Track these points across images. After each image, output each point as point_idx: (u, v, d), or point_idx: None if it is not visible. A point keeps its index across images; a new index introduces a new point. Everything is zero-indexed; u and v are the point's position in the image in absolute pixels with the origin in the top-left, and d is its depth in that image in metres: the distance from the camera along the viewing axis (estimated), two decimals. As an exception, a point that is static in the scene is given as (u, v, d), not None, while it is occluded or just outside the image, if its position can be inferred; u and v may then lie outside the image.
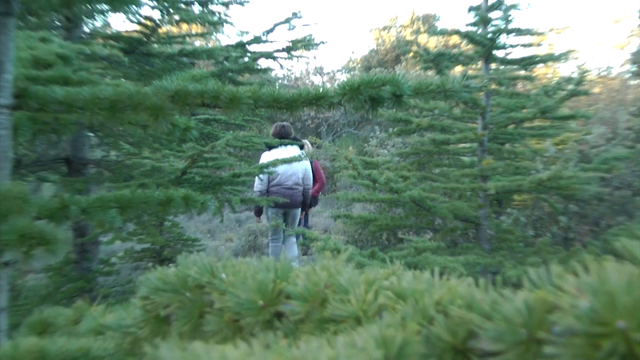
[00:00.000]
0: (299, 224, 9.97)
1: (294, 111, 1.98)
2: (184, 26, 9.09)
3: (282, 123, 9.16)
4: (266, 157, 8.49)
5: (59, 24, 6.56)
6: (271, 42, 7.35)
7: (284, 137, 8.82)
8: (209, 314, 0.97)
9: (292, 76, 29.58)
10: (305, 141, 10.43)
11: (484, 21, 5.61)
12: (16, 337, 1.22)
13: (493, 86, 5.83)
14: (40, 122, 2.57)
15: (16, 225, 1.80)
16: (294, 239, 9.28)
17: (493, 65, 6.01)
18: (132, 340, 1.16)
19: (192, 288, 1.02)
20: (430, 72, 5.97)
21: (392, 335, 0.66)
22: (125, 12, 6.70)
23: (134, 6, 6.39)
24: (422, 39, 29.47)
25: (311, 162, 10.45)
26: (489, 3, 5.63)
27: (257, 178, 8.38)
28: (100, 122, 2.04)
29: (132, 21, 6.97)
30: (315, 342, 0.64)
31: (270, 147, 8.52)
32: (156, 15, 6.70)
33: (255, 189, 8.81)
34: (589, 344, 0.53)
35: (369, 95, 1.92)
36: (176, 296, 1.03)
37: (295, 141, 8.92)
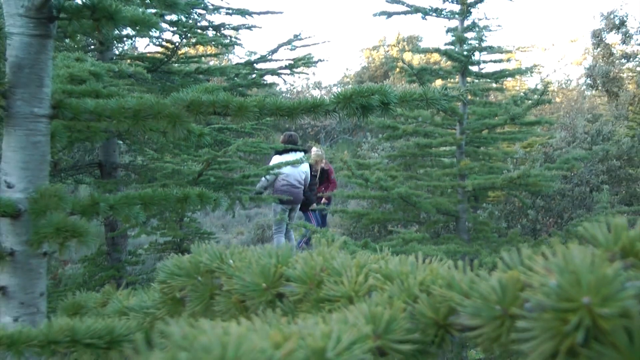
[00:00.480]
0: (317, 224, 10.13)
1: (294, 118, 1.96)
2: (200, 48, 9.10)
3: (290, 132, 9.25)
4: (276, 159, 8.47)
5: (93, 47, 6.58)
6: (275, 60, 7.37)
7: (291, 144, 8.88)
8: (219, 296, 0.96)
9: (294, 90, 29.59)
10: (315, 149, 10.59)
11: (461, 40, 5.59)
12: (52, 318, 1.20)
13: (469, 97, 5.81)
14: (75, 130, 2.55)
15: (53, 220, 1.79)
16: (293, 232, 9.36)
17: (469, 79, 5.99)
18: (151, 319, 1.14)
19: (203, 273, 1.01)
20: (414, 85, 5.96)
21: (380, 312, 0.64)
22: (149, 36, 6.72)
23: (156, 31, 6.39)
24: (407, 56, 29.47)
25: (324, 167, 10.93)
26: (465, 25, 5.62)
27: (263, 178, 8.29)
28: (126, 129, 2.03)
29: (155, 44, 7.01)
30: (311, 319, 0.62)
31: (279, 152, 8.57)
32: (176, 38, 6.72)
33: (257, 186, 8.61)
34: (557, 319, 0.51)
35: (360, 103, 1.91)
36: (190, 280, 1.02)
37: (300, 148, 9.00)
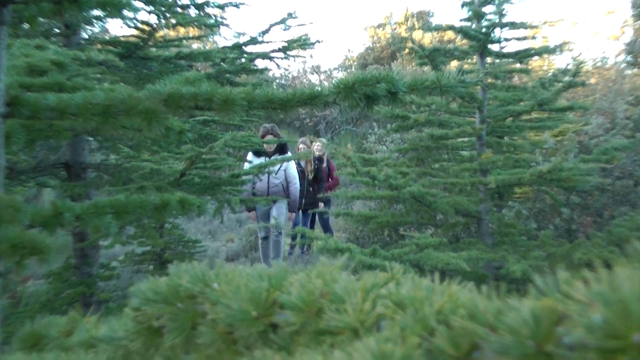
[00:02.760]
0: (309, 226, 10.68)
1: (289, 111, 1.95)
2: (181, 29, 9.06)
3: (267, 126, 9.39)
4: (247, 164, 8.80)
5: (58, 32, 6.54)
6: (267, 42, 7.33)
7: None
8: (202, 325, 0.94)
9: (289, 75, 29.58)
10: (302, 145, 10.85)
11: (478, 16, 5.57)
12: (6, 352, 1.17)
13: (489, 80, 5.79)
14: (34, 129, 2.53)
15: (8, 235, 1.76)
16: (279, 237, 9.37)
17: (488, 59, 5.97)
18: (124, 353, 1.12)
19: (184, 298, 0.99)
20: (426, 68, 5.93)
21: (390, 349, 0.62)
22: (122, 18, 6.68)
23: (130, 11, 6.37)
24: (417, 35, 29.42)
25: (328, 162, 11.17)
26: (483, -2, 5.60)
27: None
28: (94, 127, 2.00)
29: (129, 26, 6.96)
30: (310, 357, 0.60)
31: (257, 152, 8.98)
32: (153, 19, 6.68)
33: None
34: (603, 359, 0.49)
35: (364, 93, 1.89)
36: (168, 307, 1.00)
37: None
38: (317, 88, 1.93)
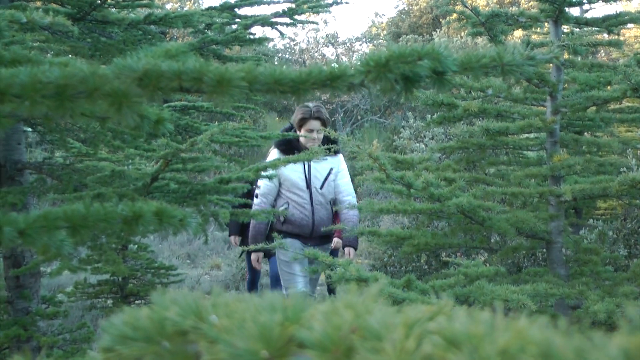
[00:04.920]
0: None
1: (301, 96, 1.98)
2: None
3: (308, 105, 7.86)
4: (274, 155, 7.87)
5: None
6: (268, 3, 7.37)
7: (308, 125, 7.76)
8: (196, 371, 0.97)
9: (297, 48, 29.68)
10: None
11: (553, -31, 5.60)
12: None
13: (566, 56, 5.81)
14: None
15: None
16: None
17: (566, 28, 5.99)
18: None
19: (171, 335, 1.02)
20: (480, 40, 5.94)
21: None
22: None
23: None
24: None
25: None
26: (559, -55, 5.62)
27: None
28: (44, 114, 2.04)
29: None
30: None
31: (281, 145, 7.71)
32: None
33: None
34: None
35: (401, 72, 1.92)
36: (151, 346, 1.03)
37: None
38: (340, 65, 1.96)
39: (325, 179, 7.55)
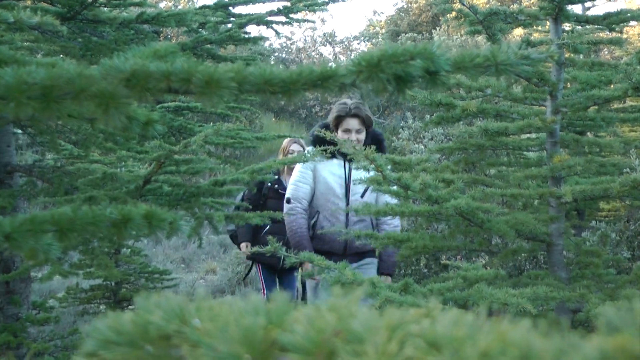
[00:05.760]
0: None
1: (292, 96, 1.99)
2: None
3: (346, 102, 6.81)
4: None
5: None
6: (263, 1, 7.38)
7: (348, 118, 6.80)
8: (179, 376, 0.98)
9: (293, 47, 29.71)
10: (295, 139, 8.76)
11: (553, -34, 5.61)
12: None
13: (567, 54, 5.81)
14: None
15: None
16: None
17: (566, 26, 6.00)
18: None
19: (155, 339, 1.03)
20: (479, 38, 5.95)
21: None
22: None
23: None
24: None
25: None
26: (559, -59, 5.63)
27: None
28: (29, 115, 2.06)
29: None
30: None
31: (318, 142, 6.44)
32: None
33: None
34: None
35: (394, 72, 1.93)
36: (134, 351, 1.04)
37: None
38: (331, 65, 1.97)
39: (368, 187, 6.17)
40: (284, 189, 7.46)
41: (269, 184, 7.91)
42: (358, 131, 6.44)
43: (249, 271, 8.85)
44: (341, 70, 1.94)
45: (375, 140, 6.44)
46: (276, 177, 7.81)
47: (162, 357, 1.01)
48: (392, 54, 1.89)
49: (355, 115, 6.49)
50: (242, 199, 7.86)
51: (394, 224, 6.82)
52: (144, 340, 1.03)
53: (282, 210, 6.82)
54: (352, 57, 1.92)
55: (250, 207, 7.17)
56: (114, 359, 1.07)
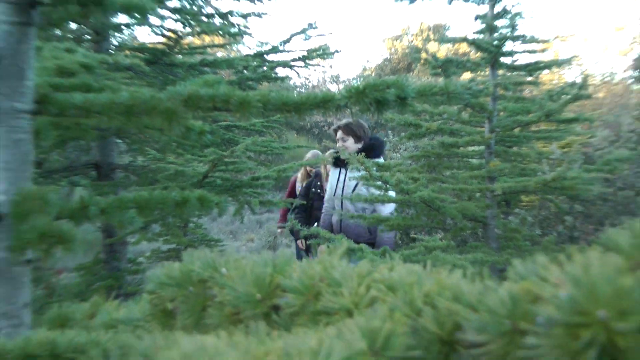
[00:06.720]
0: None
1: (302, 114, 1.96)
2: (206, 38, 9.13)
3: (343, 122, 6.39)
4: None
5: (88, 37, 6.62)
6: (288, 51, 7.36)
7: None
8: (211, 308, 0.96)
9: (310, 84, 29.66)
10: (313, 152, 8.38)
11: (490, 29, 5.56)
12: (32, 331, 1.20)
13: (501, 91, 5.77)
14: (62, 127, 2.56)
15: (36, 225, 1.79)
16: None
17: (500, 72, 5.95)
18: (141, 333, 1.14)
19: (195, 282, 1.00)
20: (440, 79, 5.91)
21: (378, 326, 0.63)
22: (148, 24, 6.75)
23: (154, 17, 6.43)
24: (433, 47, 29.36)
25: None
26: (495, 11, 5.58)
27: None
28: (119, 126, 2.03)
29: (156, 34, 7.04)
30: (303, 334, 0.61)
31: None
32: (179, 27, 6.76)
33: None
34: (568, 335, 0.50)
35: (374, 97, 1.90)
36: (180, 290, 1.01)
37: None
38: (329, 92, 1.94)
39: (354, 189, 6.10)
40: (325, 192, 6.96)
41: (314, 189, 7.33)
42: (343, 139, 6.16)
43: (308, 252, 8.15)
44: (337, 95, 1.91)
45: (370, 146, 6.22)
46: (319, 183, 7.33)
47: (200, 295, 0.99)
48: (373, 84, 1.86)
49: (338, 128, 6.20)
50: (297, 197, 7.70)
51: (389, 235, 6.12)
52: (187, 283, 1.01)
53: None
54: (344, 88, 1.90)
55: (304, 202, 7.25)
56: (166, 296, 1.04)
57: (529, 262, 0.61)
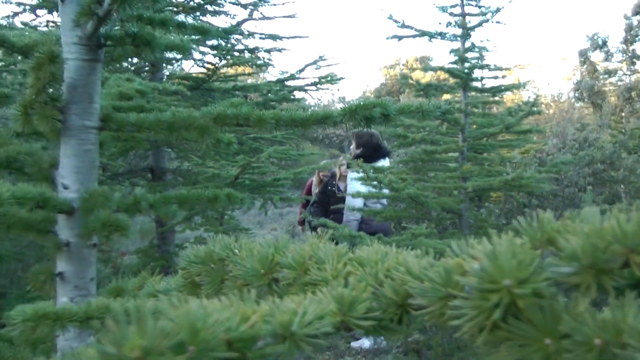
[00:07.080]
0: None
1: (307, 129, 1.98)
2: (238, 68, 9.17)
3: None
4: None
5: (147, 69, 6.69)
6: (303, 78, 7.39)
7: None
8: (228, 280, 0.98)
9: (321, 104, 29.65)
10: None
11: (462, 60, 5.55)
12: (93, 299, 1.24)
13: (473, 109, 5.78)
14: (122, 139, 2.59)
15: (100, 216, 1.83)
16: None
17: (471, 93, 5.95)
18: (174, 300, 1.17)
19: (216, 261, 1.03)
20: (422, 99, 5.88)
21: (345, 293, 0.65)
22: (192, 59, 6.81)
23: (193, 53, 6.47)
24: (418, 74, 29.32)
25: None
26: (466, 46, 5.58)
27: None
28: (164, 139, 2.07)
29: (198, 65, 7.12)
30: (289, 298, 0.64)
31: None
32: (216, 60, 6.82)
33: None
34: (482, 298, 0.52)
35: (364, 115, 1.92)
36: (205, 267, 1.04)
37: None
38: (328, 110, 1.96)
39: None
40: (340, 191, 6.44)
41: (330, 187, 6.60)
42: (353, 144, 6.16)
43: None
44: (334, 113, 1.93)
45: (370, 152, 6.12)
46: (334, 182, 6.56)
47: (219, 271, 1.01)
48: (363, 104, 1.88)
49: (353, 135, 6.09)
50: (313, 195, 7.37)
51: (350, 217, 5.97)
52: (209, 261, 1.03)
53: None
54: (339, 107, 1.92)
55: (321, 200, 6.72)
56: (194, 271, 1.07)
57: (462, 242, 0.64)
